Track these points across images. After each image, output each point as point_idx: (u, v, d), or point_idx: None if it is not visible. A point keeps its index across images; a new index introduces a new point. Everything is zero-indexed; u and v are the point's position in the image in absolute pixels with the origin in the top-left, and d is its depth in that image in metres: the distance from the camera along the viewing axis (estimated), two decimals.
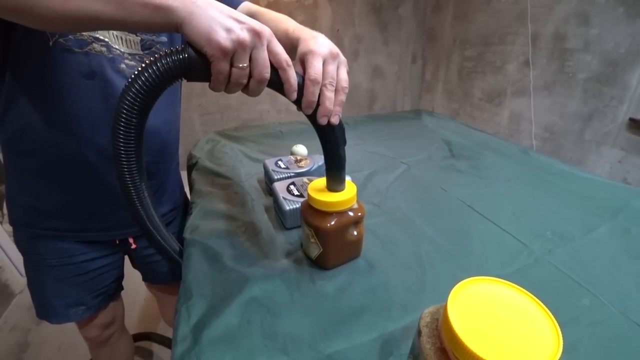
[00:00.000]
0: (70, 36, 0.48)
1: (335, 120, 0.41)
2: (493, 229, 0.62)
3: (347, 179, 0.53)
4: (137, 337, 1.25)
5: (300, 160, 0.77)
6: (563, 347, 0.22)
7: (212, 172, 0.87)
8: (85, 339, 0.81)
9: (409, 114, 1.42)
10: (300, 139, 1.03)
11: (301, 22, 0.49)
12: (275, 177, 0.71)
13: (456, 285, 0.26)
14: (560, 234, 0.60)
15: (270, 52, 0.36)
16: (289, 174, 0.72)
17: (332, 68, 0.41)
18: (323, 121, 0.41)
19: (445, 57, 2.82)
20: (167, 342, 1.25)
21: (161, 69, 0.33)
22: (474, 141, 1.06)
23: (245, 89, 0.37)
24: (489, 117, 2.49)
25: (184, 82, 0.37)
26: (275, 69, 0.36)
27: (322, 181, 0.52)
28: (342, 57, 0.43)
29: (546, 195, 0.73)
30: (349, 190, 0.49)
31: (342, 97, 0.41)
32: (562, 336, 0.23)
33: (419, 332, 0.27)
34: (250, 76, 0.35)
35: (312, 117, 0.41)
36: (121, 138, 0.36)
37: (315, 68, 0.39)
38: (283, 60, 0.36)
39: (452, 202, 0.72)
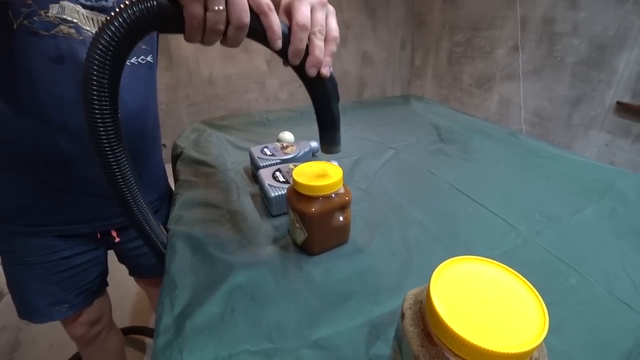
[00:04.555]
0: (35, 18, 0.45)
1: (326, 71, 0.38)
2: (481, 212, 0.62)
3: (334, 163, 0.52)
4: (126, 331, 1.24)
5: (287, 147, 0.75)
6: (550, 327, 0.21)
7: (197, 162, 0.84)
8: (72, 337, 0.79)
9: (398, 99, 1.40)
10: (287, 126, 1.01)
11: None
12: (261, 164, 0.69)
13: (439, 265, 0.25)
14: (548, 216, 0.60)
15: None
16: (275, 161, 0.70)
17: (320, 15, 0.37)
18: (312, 72, 0.37)
19: (435, 43, 2.79)
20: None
21: (128, 20, 0.30)
22: (462, 125, 1.05)
23: (224, 39, 0.34)
24: (479, 103, 2.49)
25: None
26: (255, 15, 0.33)
27: (307, 166, 0.50)
28: (330, 7, 0.39)
29: (534, 178, 0.73)
30: (334, 174, 0.47)
31: (333, 47, 0.38)
32: (549, 314, 0.22)
33: (402, 315, 0.26)
34: (227, 22, 0.32)
35: (300, 69, 0.37)
36: (95, 101, 0.33)
37: (303, 14, 0.35)
38: (264, 4, 0.32)
39: (441, 185, 0.72)
